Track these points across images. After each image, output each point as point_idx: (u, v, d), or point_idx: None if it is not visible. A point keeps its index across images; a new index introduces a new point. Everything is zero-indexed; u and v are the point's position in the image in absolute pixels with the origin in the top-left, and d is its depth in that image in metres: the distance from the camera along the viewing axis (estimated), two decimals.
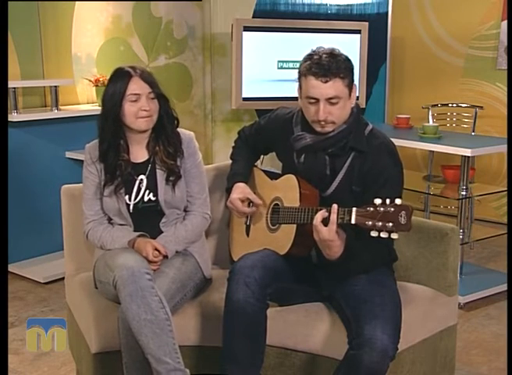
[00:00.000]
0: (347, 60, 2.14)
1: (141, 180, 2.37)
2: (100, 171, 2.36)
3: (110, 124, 2.31)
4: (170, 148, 2.36)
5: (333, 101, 2.10)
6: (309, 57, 2.13)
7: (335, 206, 1.97)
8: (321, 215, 2.00)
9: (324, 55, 2.10)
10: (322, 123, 2.14)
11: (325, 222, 1.99)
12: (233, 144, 2.58)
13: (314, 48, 2.16)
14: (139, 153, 2.39)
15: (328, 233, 1.98)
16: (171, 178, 2.36)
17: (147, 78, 2.31)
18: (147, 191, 2.36)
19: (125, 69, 2.31)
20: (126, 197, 2.35)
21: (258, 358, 2.12)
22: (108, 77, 2.36)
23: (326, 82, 2.08)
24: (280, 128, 2.34)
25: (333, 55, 2.11)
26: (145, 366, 2.09)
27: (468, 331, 3.20)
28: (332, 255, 2.03)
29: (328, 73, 2.08)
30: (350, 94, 2.15)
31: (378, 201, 1.88)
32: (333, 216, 1.97)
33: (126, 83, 2.27)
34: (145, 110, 2.28)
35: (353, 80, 2.16)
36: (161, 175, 2.37)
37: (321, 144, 2.19)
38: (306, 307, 2.25)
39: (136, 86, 2.28)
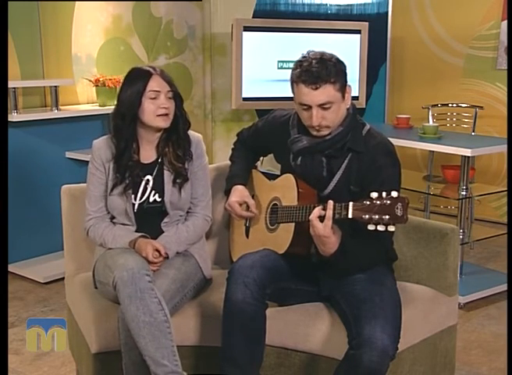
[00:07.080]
0: (339, 63, 2.12)
1: (148, 180, 2.36)
2: (108, 169, 2.35)
3: (128, 123, 2.29)
4: (179, 150, 2.35)
5: (326, 106, 2.10)
6: (299, 64, 2.12)
7: (330, 202, 1.99)
8: (318, 210, 2.01)
9: (314, 61, 2.09)
10: (317, 128, 2.14)
11: (322, 218, 2.00)
12: (232, 146, 2.59)
13: (305, 53, 2.15)
14: (148, 153, 2.37)
15: (324, 229, 1.99)
16: (178, 180, 2.35)
17: (166, 77, 2.31)
18: (153, 192, 2.35)
19: (144, 68, 2.31)
20: (133, 196, 2.34)
21: (258, 358, 2.12)
22: (123, 77, 2.32)
23: (316, 89, 2.08)
24: (277, 130, 2.34)
25: (323, 60, 2.10)
26: (144, 367, 2.08)
27: (468, 331, 3.20)
28: (327, 251, 2.04)
29: (318, 80, 2.07)
30: (343, 97, 2.14)
31: (374, 194, 1.89)
32: (329, 212, 1.98)
33: (146, 81, 2.26)
34: (164, 107, 2.27)
35: (346, 82, 2.15)
36: (168, 176, 2.36)
37: (319, 147, 2.20)
38: (306, 307, 2.25)
39: (156, 83, 2.27)
